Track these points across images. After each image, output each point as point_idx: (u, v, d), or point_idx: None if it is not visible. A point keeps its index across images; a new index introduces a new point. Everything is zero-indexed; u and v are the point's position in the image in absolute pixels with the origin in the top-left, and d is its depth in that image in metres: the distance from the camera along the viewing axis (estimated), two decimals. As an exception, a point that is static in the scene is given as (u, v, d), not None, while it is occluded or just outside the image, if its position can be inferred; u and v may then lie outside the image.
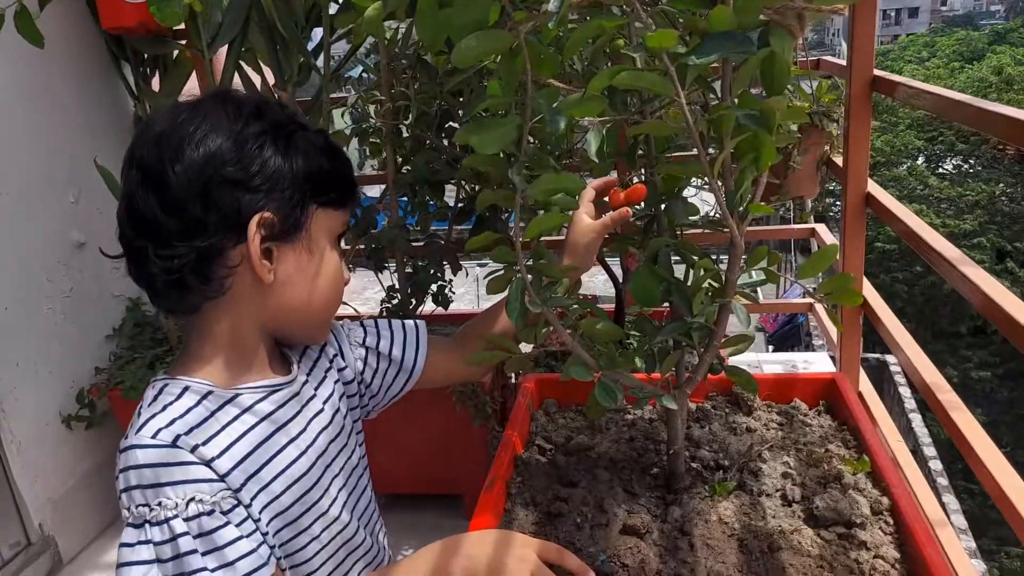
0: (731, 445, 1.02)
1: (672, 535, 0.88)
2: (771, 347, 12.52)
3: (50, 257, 1.73)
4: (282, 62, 1.64)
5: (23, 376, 1.67)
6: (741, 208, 0.77)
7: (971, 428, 1.13)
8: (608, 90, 0.80)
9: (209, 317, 0.76)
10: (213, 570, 0.66)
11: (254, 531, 0.71)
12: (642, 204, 0.96)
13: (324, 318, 0.83)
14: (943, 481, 4.68)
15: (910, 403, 5.91)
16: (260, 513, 0.73)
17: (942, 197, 14.05)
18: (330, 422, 0.84)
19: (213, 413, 0.72)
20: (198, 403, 0.72)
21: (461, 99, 1.61)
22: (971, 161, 14.72)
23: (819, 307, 2.11)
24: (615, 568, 0.83)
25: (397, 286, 1.81)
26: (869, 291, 1.65)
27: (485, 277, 0.87)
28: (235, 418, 0.74)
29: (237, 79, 1.71)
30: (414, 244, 1.77)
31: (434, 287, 1.76)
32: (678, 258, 0.90)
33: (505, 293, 0.82)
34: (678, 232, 0.96)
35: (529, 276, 0.80)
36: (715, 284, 0.84)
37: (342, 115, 1.71)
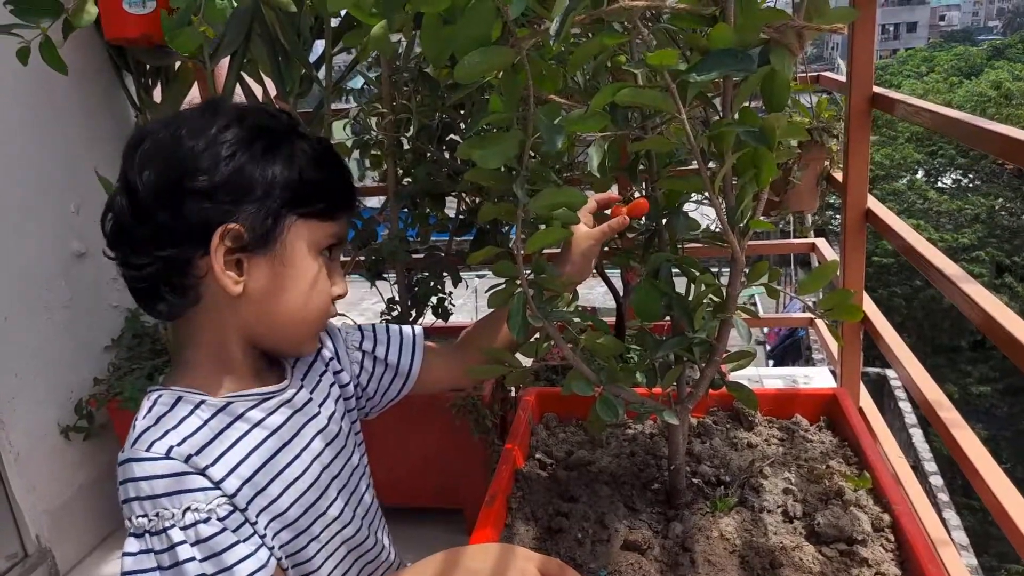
0: (732, 461, 1.02)
1: (673, 551, 0.87)
2: (771, 361, 12.51)
3: (50, 267, 1.73)
4: (284, 74, 1.64)
5: (21, 386, 1.67)
6: (742, 224, 0.77)
7: (971, 445, 1.13)
8: (610, 106, 0.80)
9: (193, 325, 0.76)
10: (212, 575, 0.67)
11: (251, 535, 0.72)
12: (643, 220, 0.96)
13: (306, 332, 0.80)
14: (944, 497, 4.66)
15: (911, 418, 5.91)
16: (257, 517, 0.74)
17: (941, 211, 14.09)
18: (326, 425, 0.84)
19: (206, 422, 0.73)
20: (191, 413, 0.73)
21: (462, 112, 1.61)
22: (971, 175, 14.77)
23: (820, 322, 2.11)
24: (615, 584, 0.82)
25: (397, 298, 1.81)
26: (869, 306, 1.65)
27: (487, 291, 0.87)
28: (227, 426, 0.74)
29: (239, 90, 1.71)
30: (414, 256, 1.77)
31: (434, 299, 1.76)
32: (679, 272, 0.90)
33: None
34: (679, 247, 0.96)
35: (530, 290, 0.80)
36: (716, 299, 0.84)
37: (344, 127, 1.71)
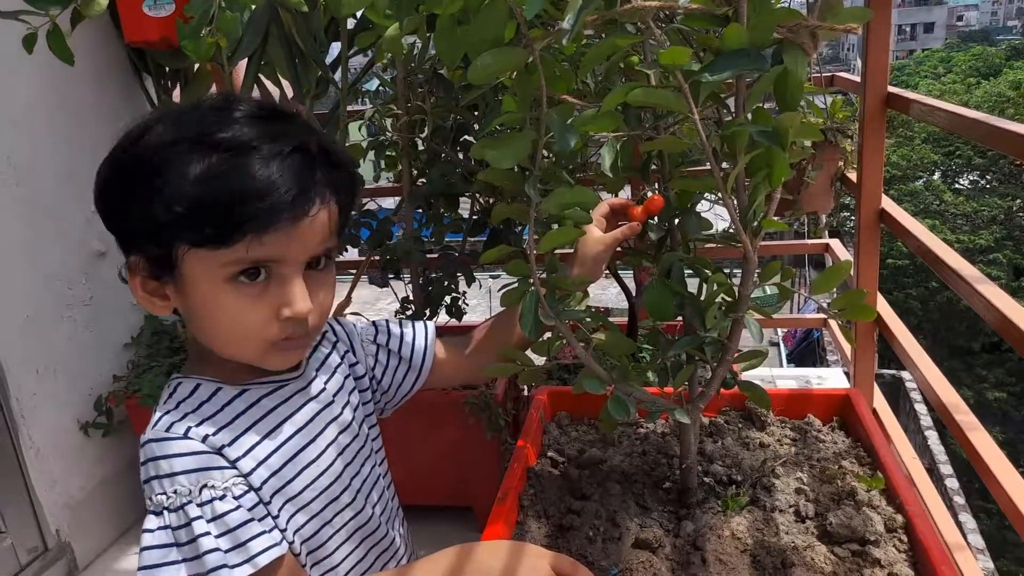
0: (744, 460, 1.02)
1: (685, 550, 0.88)
2: (792, 364, 12.44)
3: (71, 266, 1.76)
4: (300, 76, 1.66)
5: (42, 383, 1.70)
6: (755, 224, 0.77)
7: (988, 448, 1.12)
8: (622, 106, 0.80)
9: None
10: (227, 551, 0.68)
11: (265, 516, 0.73)
12: (656, 219, 0.96)
13: (251, 354, 0.74)
14: (960, 500, 4.62)
15: (926, 420, 5.85)
16: (271, 497, 0.75)
17: (958, 212, 13.94)
18: (340, 414, 0.85)
19: (223, 407, 0.75)
20: (209, 398, 0.75)
21: (476, 113, 1.62)
22: (988, 176, 14.61)
23: (833, 323, 2.10)
24: (627, 582, 0.83)
25: (411, 297, 1.82)
26: (883, 307, 1.65)
27: (499, 290, 0.87)
28: (243, 411, 0.76)
29: (256, 92, 1.73)
30: (428, 256, 1.78)
31: (448, 299, 1.77)
32: (691, 272, 0.90)
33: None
34: (691, 247, 0.96)
35: (543, 289, 0.81)
36: (728, 299, 0.85)
37: (359, 128, 1.73)
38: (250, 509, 0.71)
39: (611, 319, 0.94)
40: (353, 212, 1.70)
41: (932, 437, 5.80)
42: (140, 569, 0.69)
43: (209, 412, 0.74)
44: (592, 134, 0.88)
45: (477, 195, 1.74)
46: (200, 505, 0.69)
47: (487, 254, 0.86)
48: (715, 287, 0.85)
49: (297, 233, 0.69)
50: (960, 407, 1.21)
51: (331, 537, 0.82)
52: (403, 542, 0.96)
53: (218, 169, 0.66)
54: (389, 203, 2.01)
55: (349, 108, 1.72)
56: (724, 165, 0.76)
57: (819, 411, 1.14)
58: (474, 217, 1.79)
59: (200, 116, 0.70)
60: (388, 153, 1.70)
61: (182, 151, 0.66)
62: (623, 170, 0.87)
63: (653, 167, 0.96)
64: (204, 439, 0.72)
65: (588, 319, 0.86)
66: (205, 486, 0.70)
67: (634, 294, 1.77)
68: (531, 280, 0.81)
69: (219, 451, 0.72)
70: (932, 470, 5.60)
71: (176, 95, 1.92)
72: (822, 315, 2.16)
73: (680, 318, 0.90)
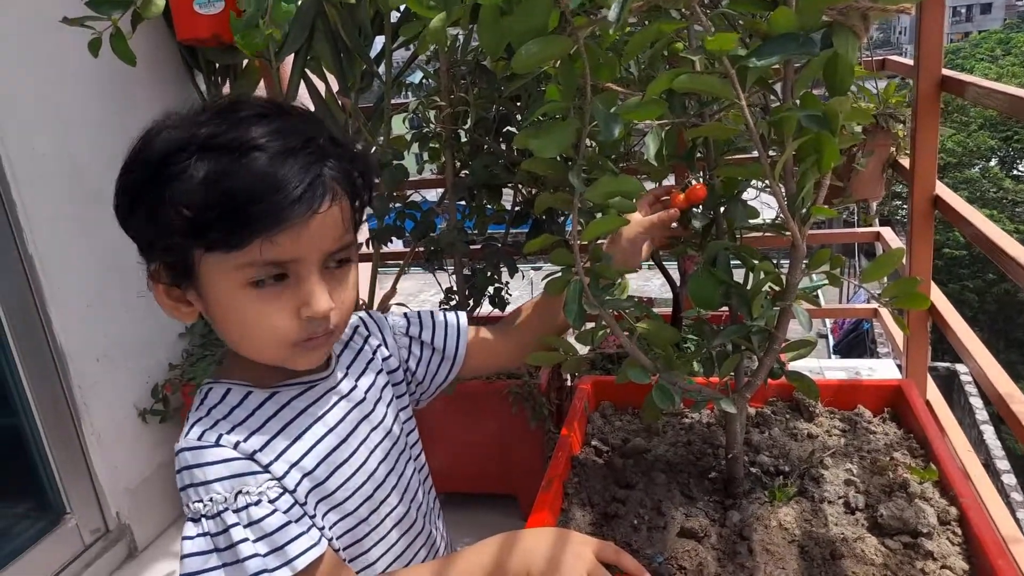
0: (792, 451, 1.01)
1: (731, 539, 0.87)
2: (837, 355, 12.18)
3: (128, 257, 1.81)
4: (345, 70, 1.69)
5: (102, 371, 1.76)
6: (803, 211, 0.76)
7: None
8: (667, 93, 0.80)
9: None
10: (265, 555, 0.70)
11: (302, 516, 0.74)
12: (700, 208, 0.95)
13: (273, 355, 0.74)
14: (1017, 496, 4.47)
15: (982, 414, 5.67)
16: (306, 497, 0.76)
17: (1018, 200, 13.41)
18: (372, 411, 0.85)
19: (254, 411, 0.75)
20: (240, 403, 0.75)
21: (519, 104, 1.63)
22: (1050, 162, 14.03)
23: (884, 312, 2.05)
24: (672, 570, 0.83)
25: (455, 288, 1.83)
26: (938, 296, 1.60)
27: (543, 279, 0.88)
28: (274, 414, 0.76)
29: (303, 87, 1.76)
30: (472, 247, 1.80)
31: (491, 289, 1.79)
32: (737, 262, 0.89)
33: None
34: (737, 235, 0.95)
35: (587, 278, 0.81)
36: (775, 287, 0.84)
37: (403, 120, 1.75)
38: (286, 511, 0.72)
39: (655, 310, 0.94)
40: (397, 204, 1.72)
41: (988, 432, 5.62)
42: None
43: (240, 417, 0.75)
44: (635, 122, 0.88)
45: (520, 186, 1.75)
46: (236, 511, 0.70)
47: (531, 243, 0.86)
48: (762, 275, 0.84)
49: (309, 231, 0.68)
50: (1017, 397, 1.18)
51: (367, 535, 0.82)
52: (440, 536, 0.97)
53: (225, 170, 0.66)
54: (431, 195, 2.03)
55: (393, 101, 1.74)
56: (771, 152, 0.75)
57: (870, 402, 1.12)
58: (517, 208, 1.79)
59: (205, 119, 0.69)
60: (432, 145, 1.72)
61: (189, 155, 0.66)
62: (667, 158, 0.87)
63: (698, 155, 0.95)
64: (236, 446, 0.72)
65: (631, 308, 0.86)
66: (240, 492, 0.70)
67: (678, 284, 1.75)
68: (575, 269, 0.81)
69: (252, 457, 0.72)
70: (988, 465, 5.43)
71: (226, 90, 1.97)
72: (873, 305, 2.12)
73: (725, 308, 0.89)
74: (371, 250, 1.83)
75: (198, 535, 0.70)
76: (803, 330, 0.85)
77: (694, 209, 0.95)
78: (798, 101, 0.73)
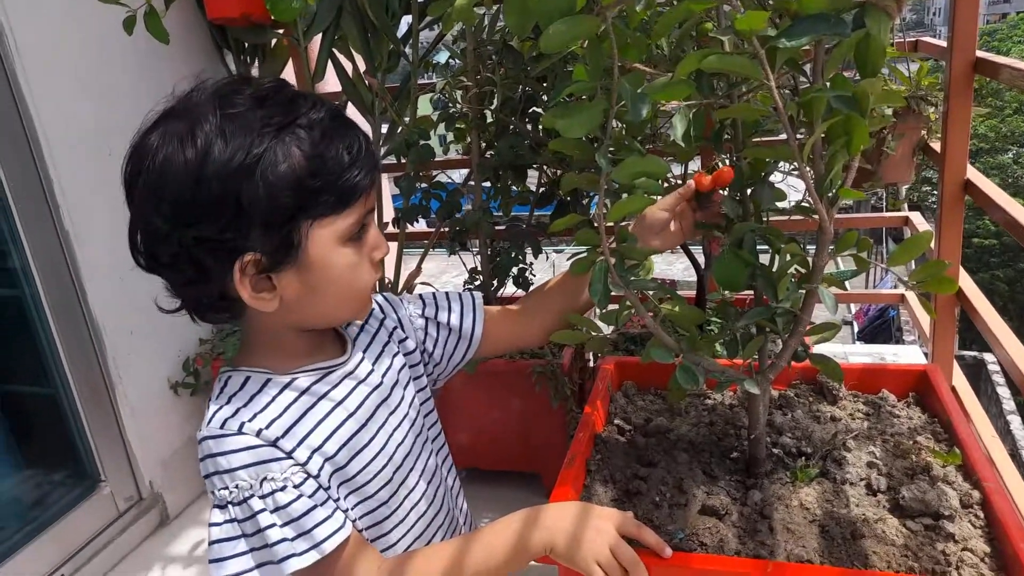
0: (814, 433, 1.01)
1: (752, 518, 0.88)
2: (861, 342, 12.06)
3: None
4: (372, 49, 1.70)
5: (136, 344, 1.81)
6: (831, 193, 0.76)
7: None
8: (695, 73, 0.80)
9: (248, 319, 0.79)
10: (293, 539, 0.71)
11: (327, 500, 0.75)
12: (725, 191, 0.95)
13: (356, 308, 0.81)
14: (1044, 486, 4.40)
15: (1009, 404, 5.59)
16: (329, 481, 0.77)
17: (1053, 186, 13.09)
18: (389, 395, 0.86)
19: (274, 398, 0.77)
20: (260, 391, 0.77)
21: (545, 84, 1.63)
22: (1088, 148, 13.66)
23: (911, 298, 2.03)
24: (693, 546, 0.84)
25: (479, 268, 1.85)
26: (967, 282, 1.58)
27: (568, 259, 0.88)
28: (294, 400, 0.77)
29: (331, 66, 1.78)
30: (496, 228, 1.81)
31: (515, 269, 1.80)
32: (764, 248, 0.89)
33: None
34: (764, 217, 0.95)
35: (612, 259, 0.81)
36: (801, 270, 0.84)
37: (430, 101, 1.75)
38: (311, 496, 0.73)
39: (678, 292, 0.94)
40: (422, 184, 1.73)
41: (1015, 422, 5.54)
42: (211, 562, 0.72)
43: (260, 405, 0.76)
44: (662, 104, 0.87)
45: (545, 167, 1.75)
46: (263, 498, 0.71)
47: (557, 223, 0.87)
48: (788, 258, 0.84)
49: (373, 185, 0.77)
50: (1046, 385, 1.17)
51: (388, 517, 0.84)
52: (462, 515, 0.99)
53: (320, 146, 0.71)
54: (455, 176, 2.04)
55: (419, 81, 1.74)
56: (799, 134, 0.75)
57: (894, 386, 1.12)
58: (541, 189, 1.80)
59: (244, 110, 0.70)
60: (458, 126, 1.72)
61: (268, 143, 0.68)
62: (695, 139, 0.87)
63: (725, 136, 0.95)
64: (258, 433, 0.73)
65: (656, 289, 0.87)
66: (265, 479, 0.72)
67: (703, 267, 1.75)
68: (600, 249, 0.81)
69: (274, 443, 0.74)
70: (1014, 455, 5.36)
71: (255, 70, 1.99)
72: (899, 291, 2.10)
73: (749, 291, 0.90)
74: (397, 230, 1.85)
75: (225, 521, 0.72)
76: (828, 313, 0.85)
77: (724, 194, 0.95)
78: (828, 82, 0.73)
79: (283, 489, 0.72)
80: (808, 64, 0.77)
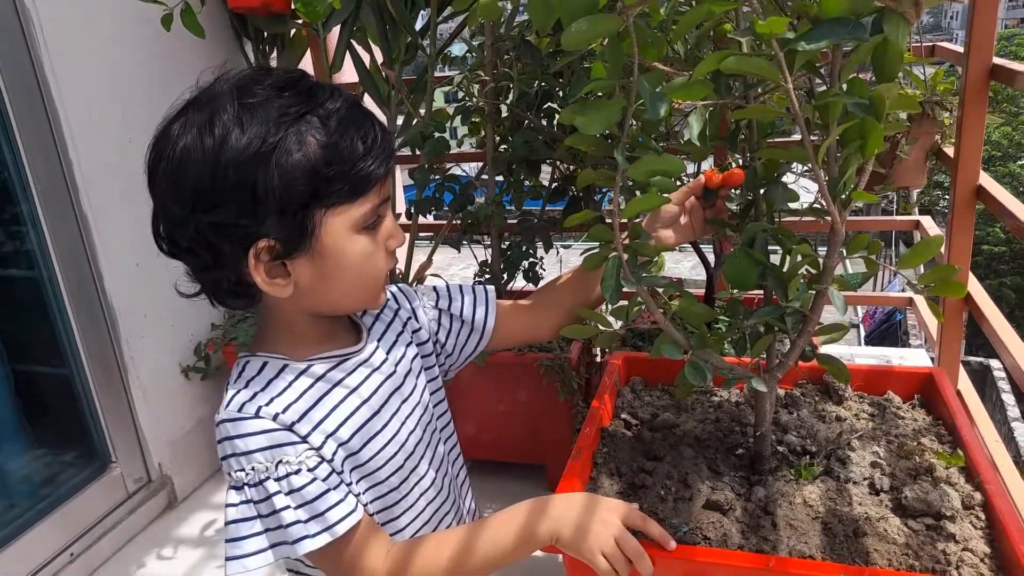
0: (819, 432, 1.02)
1: (755, 513, 0.89)
2: (867, 345, 12.03)
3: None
4: (390, 41, 1.71)
5: (149, 327, 1.83)
6: (844, 195, 0.77)
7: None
8: (712, 74, 0.81)
9: (263, 307, 0.81)
10: (306, 521, 0.73)
11: (340, 484, 0.77)
12: (736, 191, 0.97)
13: (370, 296, 0.82)
14: (1047, 494, 4.40)
15: (1013, 411, 5.59)
16: (342, 466, 0.79)
17: (1066, 195, 13.00)
18: (402, 383, 0.87)
19: (290, 384, 0.78)
20: (276, 376, 0.79)
21: (561, 80, 1.63)
22: (1103, 156, 13.57)
23: (919, 302, 2.04)
24: (697, 540, 0.86)
25: (490, 261, 1.86)
26: (975, 287, 1.59)
27: (581, 254, 0.90)
28: (310, 386, 0.79)
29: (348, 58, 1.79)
30: (508, 222, 1.82)
31: (525, 263, 1.81)
32: (775, 248, 0.90)
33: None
34: (776, 218, 0.96)
35: (625, 254, 0.83)
36: (812, 270, 0.85)
37: (453, 92, 1.76)
38: (325, 480, 0.75)
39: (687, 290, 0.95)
40: (436, 176, 1.74)
41: (1019, 429, 5.54)
42: (228, 541, 0.74)
43: (277, 390, 0.77)
44: (677, 103, 0.88)
45: (558, 162, 1.76)
46: (277, 480, 0.73)
47: (572, 217, 0.88)
48: (799, 258, 0.85)
49: (389, 175, 0.79)
50: (1051, 392, 1.17)
51: (397, 503, 0.85)
52: (469, 504, 1.00)
53: (335, 134, 0.72)
54: (466, 169, 2.05)
55: (436, 74, 1.75)
56: (814, 135, 0.76)
57: (900, 388, 1.13)
58: (554, 184, 1.81)
59: (287, 102, 0.71)
60: (473, 119, 1.73)
61: (285, 130, 0.70)
62: (710, 139, 0.88)
63: (740, 136, 0.96)
64: (275, 417, 0.75)
65: (667, 286, 0.88)
66: (280, 462, 0.74)
67: (712, 265, 1.76)
68: (614, 245, 0.83)
69: (290, 427, 0.75)
70: (1018, 463, 5.35)
71: (273, 59, 2.00)
72: (907, 294, 2.10)
73: (759, 290, 0.91)
74: (409, 221, 1.86)
75: (241, 502, 0.74)
76: (838, 314, 0.86)
77: (731, 192, 0.96)
78: (844, 86, 0.74)
79: (298, 472, 0.74)
80: (824, 66, 0.78)
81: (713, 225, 0.99)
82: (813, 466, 0.96)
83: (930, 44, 1.74)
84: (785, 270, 0.86)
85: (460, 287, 1.00)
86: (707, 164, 1.60)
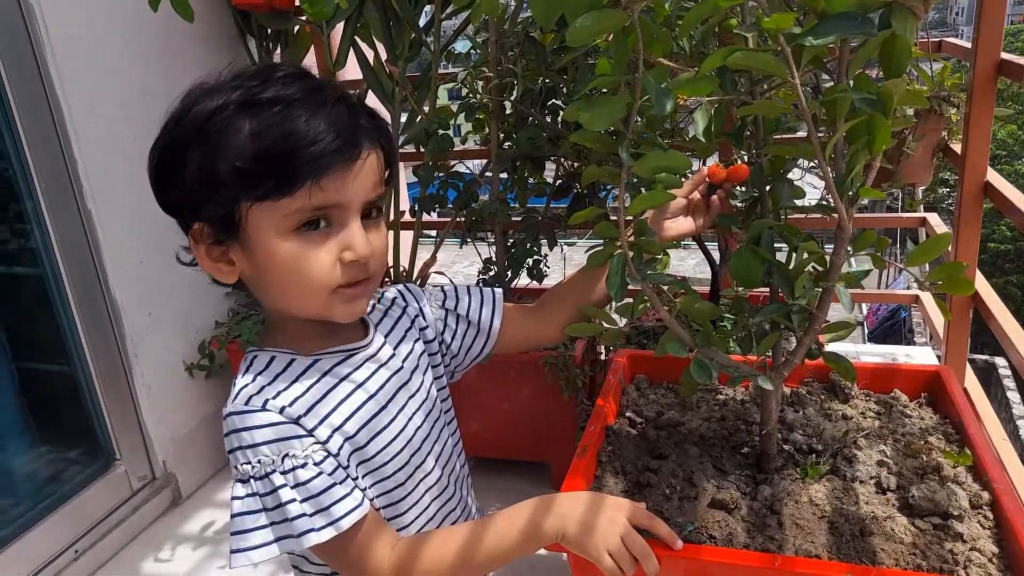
0: (825, 431, 1.02)
1: (761, 512, 0.89)
2: (871, 344, 12.01)
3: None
4: (394, 38, 1.70)
5: (153, 325, 1.83)
6: (851, 192, 0.76)
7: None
8: (718, 69, 0.80)
9: (262, 301, 0.81)
10: (312, 515, 0.73)
11: (346, 478, 0.77)
12: (743, 188, 0.96)
13: (318, 306, 0.76)
14: (1053, 493, 4.39)
15: (1019, 409, 5.57)
16: (348, 460, 0.79)
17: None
18: (409, 379, 0.87)
19: (297, 378, 0.78)
20: (284, 370, 0.78)
21: (565, 76, 1.63)
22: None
23: (925, 299, 2.03)
24: (702, 539, 0.85)
25: (494, 259, 1.86)
26: (982, 284, 1.58)
27: (586, 252, 0.89)
28: (317, 381, 0.79)
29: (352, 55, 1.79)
30: (512, 219, 1.81)
31: (529, 261, 1.81)
32: (779, 242, 0.90)
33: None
34: (782, 215, 0.96)
35: (630, 252, 0.82)
36: (819, 268, 0.84)
37: (459, 89, 1.76)
38: (331, 474, 0.75)
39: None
40: (440, 174, 1.74)
41: (1025, 427, 5.52)
42: (233, 533, 0.73)
43: (284, 384, 0.77)
44: (682, 99, 0.88)
45: (562, 159, 1.75)
46: (283, 473, 0.73)
47: (577, 215, 0.87)
48: (806, 256, 0.84)
49: (352, 176, 0.72)
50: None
51: (403, 499, 0.85)
52: (471, 503, 1.00)
53: (270, 122, 0.69)
54: (470, 166, 2.04)
55: (440, 71, 1.75)
56: (821, 131, 0.75)
57: (907, 387, 1.12)
58: (558, 181, 1.80)
59: (242, 81, 0.72)
60: (478, 116, 1.73)
61: (232, 112, 0.70)
62: (715, 135, 0.87)
63: (746, 133, 0.95)
64: (281, 411, 0.74)
65: (672, 283, 0.87)
66: (287, 455, 0.73)
67: (718, 262, 1.76)
68: (619, 243, 0.82)
69: (296, 421, 0.75)
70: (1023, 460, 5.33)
71: (277, 56, 2.00)
72: (913, 292, 2.09)
73: (765, 288, 0.90)
74: (413, 218, 1.86)
75: (247, 495, 0.73)
76: (844, 311, 0.85)
77: (735, 189, 0.95)
78: (851, 82, 0.73)
79: (304, 466, 0.74)
80: (831, 62, 0.77)
81: (718, 221, 0.98)
82: (819, 465, 0.96)
83: (937, 40, 1.73)
84: (791, 267, 0.86)
85: (468, 288, 0.99)
86: (712, 159, 1.59)
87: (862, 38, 0.69)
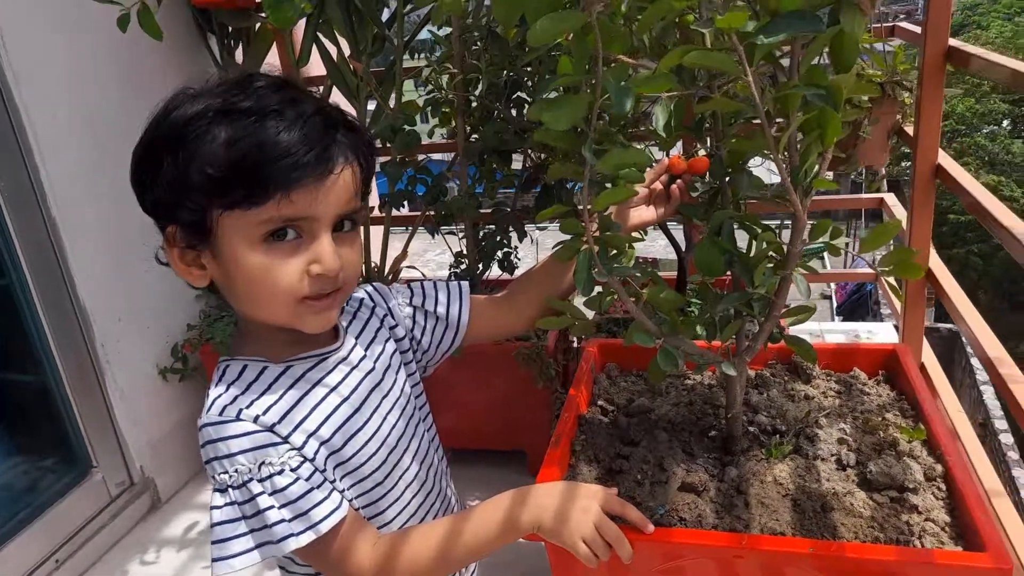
0: (788, 411, 1.06)
1: (728, 493, 0.92)
2: (840, 317, 12.24)
3: (147, 221, 1.86)
4: (357, 33, 1.70)
5: (125, 330, 1.82)
6: (805, 183, 0.79)
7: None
8: (676, 66, 0.82)
9: (235, 308, 0.82)
10: (290, 521, 0.74)
11: (323, 482, 0.78)
12: (706, 177, 0.99)
13: (286, 316, 0.77)
14: (1014, 455, 4.56)
15: (982, 375, 5.74)
16: (325, 464, 0.80)
17: (1026, 163, 13.27)
18: (382, 380, 0.88)
19: (270, 385, 0.79)
20: (257, 378, 0.79)
21: (529, 69, 1.64)
22: (1063, 123, 13.85)
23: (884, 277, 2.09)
24: (673, 521, 0.88)
25: (465, 252, 1.87)
26: (936, 263, 1.63)
27: (553, 246, 0.91)
28: (290, 387, 0.79)
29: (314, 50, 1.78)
30: (481, 211, 1.83)
31: (500, 253, 1.82)
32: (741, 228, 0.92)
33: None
34: (742, 204, 0.98)
35: (596, 247, 0.84)
36: (777, 256, 0.87)
37: (421, 84, 1.76)
38: (308, 479, 0.76)
39: (659, 272, 0.97)
40: (408, 169, 1.74)
41: (988, 392, 5.69)
42: (214, 543, 0.75)
43: (257, 392, 0.78)
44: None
45: (529, 151, 1.77)
46: (261, 481, 0.74)
47: (543, 213, 0.89)
48: (764, 245, 0.87)
49: (324, 190, 0.72)
50: (1005, 360, 1.22)
51: (383, 497, 0.86)
52: (452, 496, 1.02)
53: (245, 132, 0.70)
54: (438, 158, 2.05)
55: (404, 65, 1.75)
56: (778, 121, 0.78)
57: (865, 365, 1.16)
58: (526, 173, 1.82)
59: (223, 89, 0.73)
60: (443, 110, 1.74)
61: (209, 120, 0.70)
62: (676, 129, 0.89)
63: (706, 125, 0.98)
64: (256, 419, 0.75)
65: (638, 275, 0.90)
66: (263, 463, 0.74)
67: (684, 249, 1.79)
68: (584, 238, 0.84)
69: (271, 429, 0.76)
70: (986, 425, 5.52)
71: (239, 54, 1.98)
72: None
73: (729, 272, 0.93)
74: (382, 213, 1.86)
75: (226, 504, 0.74)
76: (802, 298, 0.88)
77: (695, 181, 0.98)
78: (804, 76, 0.75)
79: (280, 473, 0.75)
80: (784, 57, 0.79)
81: (681, 212, 1.00)
82: (783, 445, 0.99)
83: (890, 25, 1.78)
84: (751, 257, 0.88)
85: (435, 283, 1.00)
86: (676, 150, 1.62)
87: (812, 35, 0.72)
